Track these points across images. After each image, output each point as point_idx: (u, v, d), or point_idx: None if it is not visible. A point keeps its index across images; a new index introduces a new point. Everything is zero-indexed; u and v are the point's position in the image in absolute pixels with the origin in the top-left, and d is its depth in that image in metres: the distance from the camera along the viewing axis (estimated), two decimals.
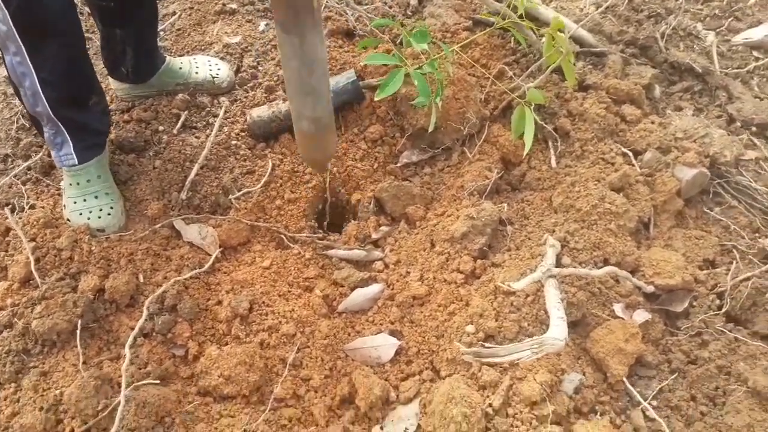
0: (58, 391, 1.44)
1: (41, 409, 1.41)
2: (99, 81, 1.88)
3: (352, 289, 1.80)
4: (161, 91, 2.19)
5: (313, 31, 1.31)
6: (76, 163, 1.79)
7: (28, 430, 1.38)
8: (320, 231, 2.00)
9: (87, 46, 2.42)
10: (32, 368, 1.52)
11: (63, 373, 1.50)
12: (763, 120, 2.14)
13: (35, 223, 1.76)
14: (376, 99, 1.90)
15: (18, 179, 1.97)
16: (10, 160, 2.07)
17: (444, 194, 2.02)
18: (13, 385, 1.50)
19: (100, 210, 1.81)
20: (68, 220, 1.82)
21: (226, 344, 1.61)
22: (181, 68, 2.20)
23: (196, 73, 2.20)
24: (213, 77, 2.21)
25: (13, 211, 1.85)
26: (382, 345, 1.64)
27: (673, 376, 1.55)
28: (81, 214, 1.80)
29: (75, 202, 1.82)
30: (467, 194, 1.94)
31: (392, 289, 1.79)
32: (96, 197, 1.82)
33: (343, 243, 1.96)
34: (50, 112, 1.67)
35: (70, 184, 1.84)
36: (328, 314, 1.74)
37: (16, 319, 1.57)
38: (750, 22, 2.55)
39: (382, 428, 1.49)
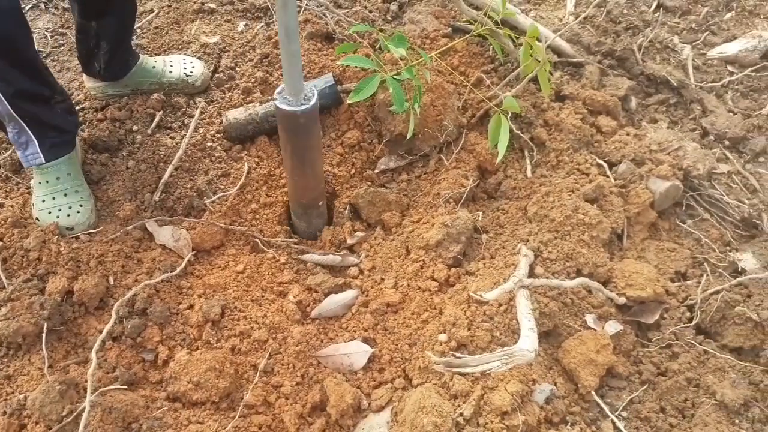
0: (22, 396, 1.40)
1: (4, 413, 1.38)
2: (57, 80, 1.85)
3: (326, 295, 1.79)
4: (135, 90, 2.16)
5: None
6: (44, 161, 1.75)
7: None
8: (295, 236, 1.99)
9: (61, 43, 2.40)
10: None
11: (28, 377, 1.47)
12: (735, 134, 2.18)
13: (3, 222, 1.73)
14: (348, 101, 1.89)
15: None
16: None
17: (420, 201, 2.02)
18: None
19: (70, 208, 1.77)
20: (37, 219, 1.78)
21: (197, 349, 1.59)
22: (154, 67, 2.17)
23: (170, 72, 2.17)
24: (187, 75, 2.18)
25: None
26: (355, 352, 1.64)
27: (643, 388, 1.57)
28: (50, 212, 1.76)
29: (44, 201, 1.78)
30: (443, 201, 1.94)
31: (366, 295, 1.78)
32: (65, 195, 1.78)
33: (318, 248, 1.95)
34: (9, 108, 1.63)
35: (39, 183, 1.80)
36: (301, 320, 1.72)
37: None
38: (725, 36, 2.59)
39: None
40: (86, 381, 1.43)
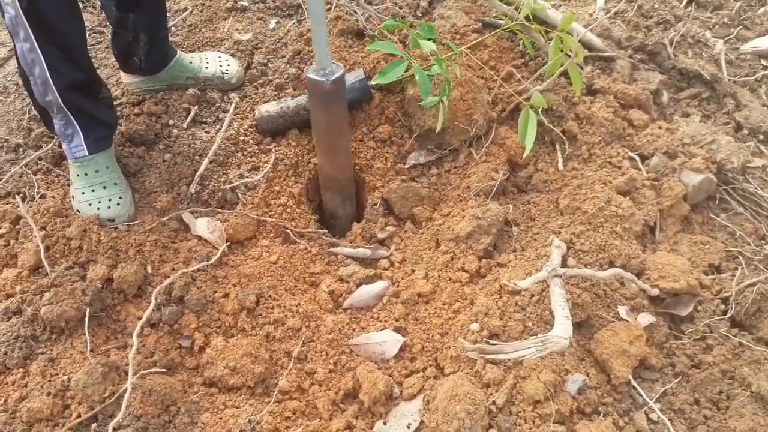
0: (65, 377, 1.45)
1: (49, 394, 1.42)
2: (102, 77, 1.91)
3: (358, 286, 1.81)
4: (172, 85, 2.21)
5: None
6: (87, 154, 1.80)
7: (36, 414, 1.39)
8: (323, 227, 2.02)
9: (98, 41, 2.46)
10: (40, 354, 1.53)
11: (71, 360, 1.51)
12: None
13: (45, 212, 1.78)
14: (372, 82, 1.91)
15: (29, 169, 1.99)
16: (21, 149, 2.08)
17: (450, 195, 2.03)
18: (21, 370, 1.51)
19: (110, 200, 1.82)
20: (78, 211, 1.83)
21: (232, 336, 1.62)
22: (191, 62, 2.22)
23: (206, 68, 2.22)
24: (222, 73, 2.22)
25: (24, 200, 1.87)
26: (387, 341, 1.65)
27: (676, 380, 1.55)
28: (90, 204, 1.81)
29: (83, 193, 1.83)
30: (473, 195, 1.95)
31: (397, 286, 1.80)
32: (105, 187, 1.83)
33: (349, 242, 1.97)
34: (60, 100, 1.68)
35: (78, 175, 1.85)
36: (333, 309, 1.75)
37: (25, 306, 1.58)
38: (759, 31, 2.56)
39: (385, 423, 1.50)
40: (127, 364, 1.47)
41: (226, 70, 2.24)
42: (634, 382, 1.53)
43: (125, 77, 2.20)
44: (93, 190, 1.83)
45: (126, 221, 1.83)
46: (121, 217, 1.82)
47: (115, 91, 2.25)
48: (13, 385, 1.49)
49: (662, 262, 1.71)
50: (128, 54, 2.09)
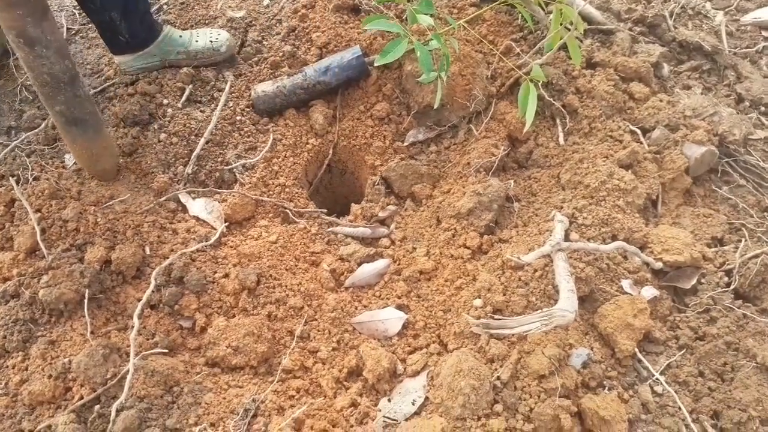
0: (66, 360, 1.43)
1: (50, 376, 1.41)
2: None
3: (359, 265, 1.80)
4: (164, 60, 2.17)
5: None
6: None
7: (37, 396, 1.38)
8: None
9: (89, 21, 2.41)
10: (40, 337, 1.52)
11: (71, 342, 1.50)
12: None
13: (40, 194, 1.75)
14: (375, 64, 1.88)
15: (22, 151, 1.96)
16: (13, 132, 2.05)
17: (450, 172, 2.01)
18: (20, 353, 1.50)
19: None
20: None
21: (234, 316, 1.61)
22: (181, 36, 2.18)
23: (197, 41, 2.18)
24: (212, 42, 2.18)
25: (18, 182, 1.84)
26: (389, 318, 1.64)
27: (681, 352, 1.55)
28: None
29: None
30: (474, 171, 1.93)
31: (399, 264, 1.79)
32: None
33: (349, 221, 1.95)
34: None
35: None
36: (335, 288, 1.73)
37: (23, 289, 1.56)
38: (759, 2, 2.53)
39: (389, 400, 1.49)
40: (127, 346, 1.46)
41: (216, 38, 2.19)
42: (639, 355, 1.52)
43: (117, 58, 2.16)
44: None
45: None
46: None
47: (108, 71, 2.21)
48: (13, 368, 1.47)
49: (665, 236, 1.70)
50: (112, 33, 2.05)
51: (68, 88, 1.60)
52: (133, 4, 2.01)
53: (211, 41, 2.18)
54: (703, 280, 1.67)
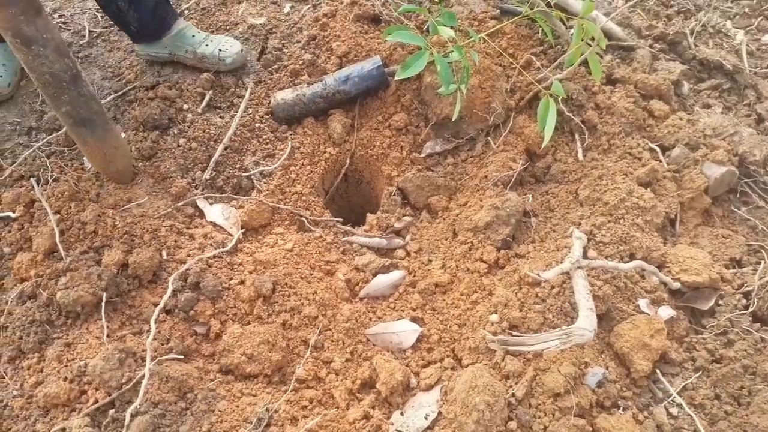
0: (82, 363, 1.43)
1: (66, 379, 1.41)
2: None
3: (374, 275, 1.79)
4: (173, 53, 2.20)
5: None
6: None
7: (52, 399, 1.38)
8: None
9: (112, 23, 2.43)
10: (56, 339, 1.52)
11: (86, 345, 1.50)
12: None
13: (60, 195, 1.76)
14: (397, 77, 1.88)
15: (42, 152, 1.97)
16: (34, 132, 2.06)
17: (467, 184, 2.00)
18: (36, 354, 1.50)
19: None
20: None
21: (248, 324, 1.61)
22: (194, 36, 2.20)
23: (207, 45, 2.20)
24: (219, 51, 2.19)
25: (38, 183, 1.85)
26: (404, 331, 1.64)
27: (697, 374, 1.54)
28: None
29: None
30: (491, 185, 1.92)
31: (414, 276, 1.78)
32: None
33: (364, 231, 1.95)
34: None
35: None
36: (349, 298, 1.73)
37: (40, 290, 1.57)
38: None
39: (402, 413, 1.48)
40: (143, 350, 1.46)
41: (226, 49, 2.20)
42: (661, 377, 1.51)
43: (134, 44, 2.21)
44: None
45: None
46: None
47: (129, 74, 2.23)
48: (28, 369, 1.48)
49: (683, 255, 1.69)
50: (122, 23, 2.10)
51: (71, 87, 1.60)
52: None
53: (219, 50, 2.19)
54: (720, 302, 1.66)
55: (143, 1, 2.04)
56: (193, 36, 2.20)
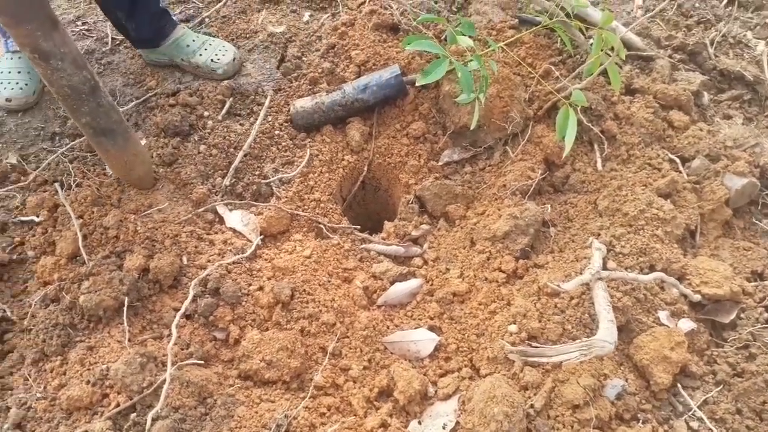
0: (104, 366, 1.45)
1: (88, 382, 1.43)
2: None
3: (391, 283, 1.80)
4: (172, 61, 2.26)
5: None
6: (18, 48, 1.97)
7: (75, 402, 1.40)
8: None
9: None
10: (78, 342, 1.54)
11: (108, 349, 1.52)
12: None
13: (83, 200, 1.79)
14: (417, 84, 1.89)
15: (65, 157, 2.00)
16: (57, 138, 2.09)
17: (484, 193, 2.01)
18: (59, 357, 1.52)
19: (17, 83, 2.11)
20: None
21: (267, 330, 1.61)
22: (188, 46, 2.24)
23: (200, 55, 2.24)
24: (212, 62, 2.22)
25: (62, 187, 1.87)
26: (422, 340, 1.64)
27: (718, 388, 1.52)
28: (1, 83, 2.12)
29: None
30: (509, 194, 1.92)
31: (431, 284, 1.79)
32: (19, 72, 2.13)
33: (381, 239, 1.96)
34: None
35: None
36: (367, 306, 1.74)
37: (63, 294, 1.59)
38: None
39: (420, 423, 1.48)
40: (163, 355, 1.48)
41: (218, 59, 2.23)
42: (681, 391, 1.50)
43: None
44: (9, 72, 2.14)
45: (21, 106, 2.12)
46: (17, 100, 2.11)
47: (150, 81, 2.26)
48: (51, 372, 1.49)
49: (704, 268, 1.68)
50: (122, 30, 2.18)
51: (90, 98, 1.62)
52: (140, 6, 2.09)
53: (212, 60, 2.23)
54: (742, 315, 1.64)
55: (140, 13, 2.10)
56: (188, 45, 2.24)
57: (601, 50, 1.92)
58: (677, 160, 1.94)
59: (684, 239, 1.81)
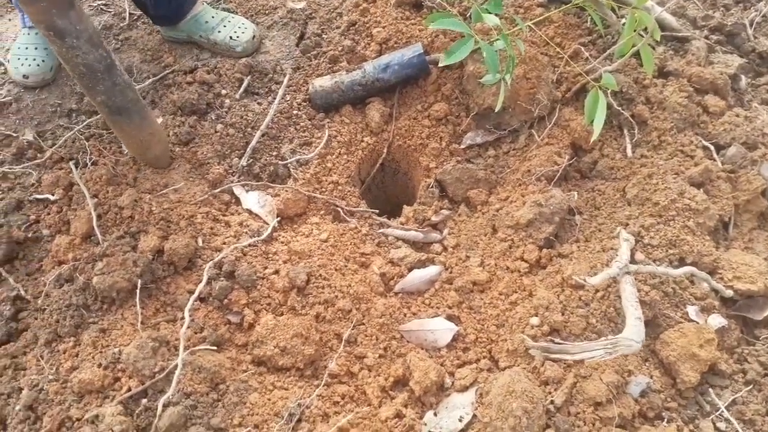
0: (116, 350, 1.43)
1: (100, 365, 1.41)
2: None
3: (409, 270, 1.75)
4: (190, 38, 2.23)
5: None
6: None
7: (86, 385, 1.39)
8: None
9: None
10: (91, 324, 1.53)
11: (121, 332, 1.50)
12: None
13: (98, 179, 1.76)
14: (440, 65, 1.81)
15: (81, 134, 1.97)
16: (74, 114, 2.07)
17: (508, 178, 1.94)
18: (72, 339, 1.51)
19: (34, 59, 2.11)
20: (8, 61, 2.16)
21: (282, 314, 1.58)
22: (207, 22, 2.21)
23: (219, 32, 2.20)
24: (231, 39, 2.19)
25: (77, 165, 1.85)
26: (439, 329, 1.60)
27: (747, 388, 1.46)
28: (19, 59, 2.12)
29: (19, 48, 2.15)
30: (534, 179, 1.85)
31: (450, 272, 1.74)
32: (36, 48, 2.13)
33: (400, 224, 1.91)
34: None
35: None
36: (384, 293, 1.69)
37: (77, 274, 1.57)
38: None
39: (435, 414, 1.45)
40: (176, 339, 1.46)
41: (237, 36, 2.20)
42: (709, 390, 1.44)
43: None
44: (26, 48, 2.14)
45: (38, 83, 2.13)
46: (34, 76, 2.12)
47: (167, 57, 2.22)
48: (64, 353, 1.48)
49: (737, 261, 1.61)
50: (142, 6, 2.16)
51: (106, 77, 1.58)
52: None
53: (231, 37, 2.19)
54: None
55: None
56: (206, 22, 2.21)
57: (634, 31, 1.83)
58: (711, 148, 1.85)
59: (716, 231, 1.73)
